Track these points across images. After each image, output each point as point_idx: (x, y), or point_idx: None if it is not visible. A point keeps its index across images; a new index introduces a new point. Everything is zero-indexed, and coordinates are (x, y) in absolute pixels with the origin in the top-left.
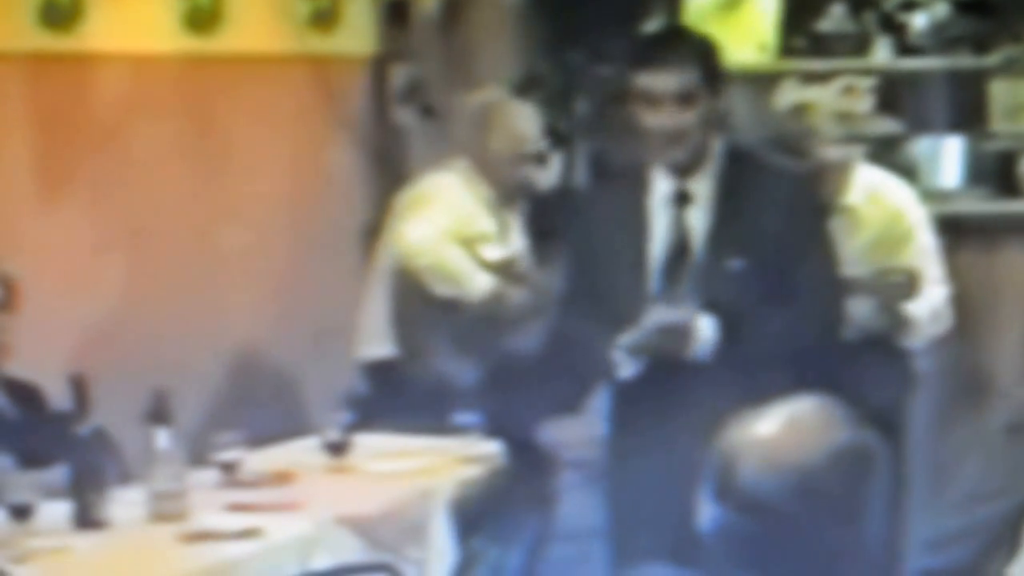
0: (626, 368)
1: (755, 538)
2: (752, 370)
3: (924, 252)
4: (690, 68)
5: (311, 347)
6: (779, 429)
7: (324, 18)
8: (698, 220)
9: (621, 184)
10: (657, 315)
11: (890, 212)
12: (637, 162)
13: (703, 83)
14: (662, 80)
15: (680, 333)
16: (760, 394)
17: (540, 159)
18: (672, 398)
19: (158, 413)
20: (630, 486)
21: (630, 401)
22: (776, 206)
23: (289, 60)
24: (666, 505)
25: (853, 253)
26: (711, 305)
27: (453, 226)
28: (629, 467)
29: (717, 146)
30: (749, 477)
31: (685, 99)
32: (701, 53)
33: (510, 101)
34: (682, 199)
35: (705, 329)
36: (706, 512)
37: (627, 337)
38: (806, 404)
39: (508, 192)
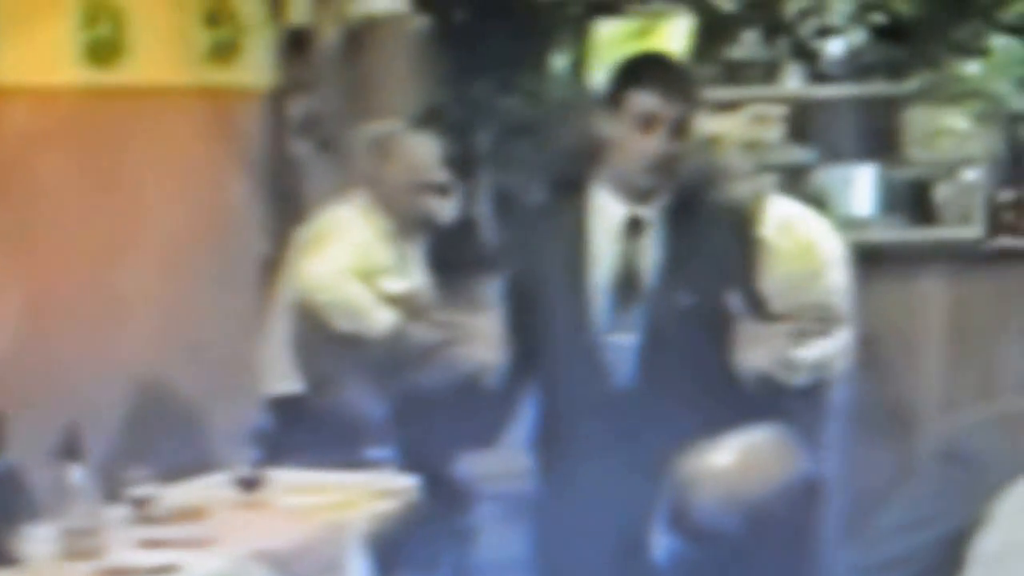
0: None
1: (709, 568)
2: (683, 402)
3: (834, 290)
4: (687, 94)
5: (213, 381)
6: (734, 461)
7: (224, 50)
8: (649, 251)
9: (560, 211)
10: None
11: (802, 245)
12: (578, 188)
13: (690, 108)
14: (663, 104)
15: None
16: (691, 426)
17: (442, 191)
18: (601, 429)
19: (70, 449)
20: (558, 518)
21: (556, 432)
22: (720, 240)
23: (189, 92)
24: (596, 536)
25: (766, 288)
26: (657, 337)
27: (353, 261)
28: (557, 499)
29: None
30: (704, 507)
31: (680, 125)
32: (691, 80)
33: (408, 131)
34: (635, 227)
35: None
36: (660, 542)
37: None
38: (761, 436)
39: (408, 223)
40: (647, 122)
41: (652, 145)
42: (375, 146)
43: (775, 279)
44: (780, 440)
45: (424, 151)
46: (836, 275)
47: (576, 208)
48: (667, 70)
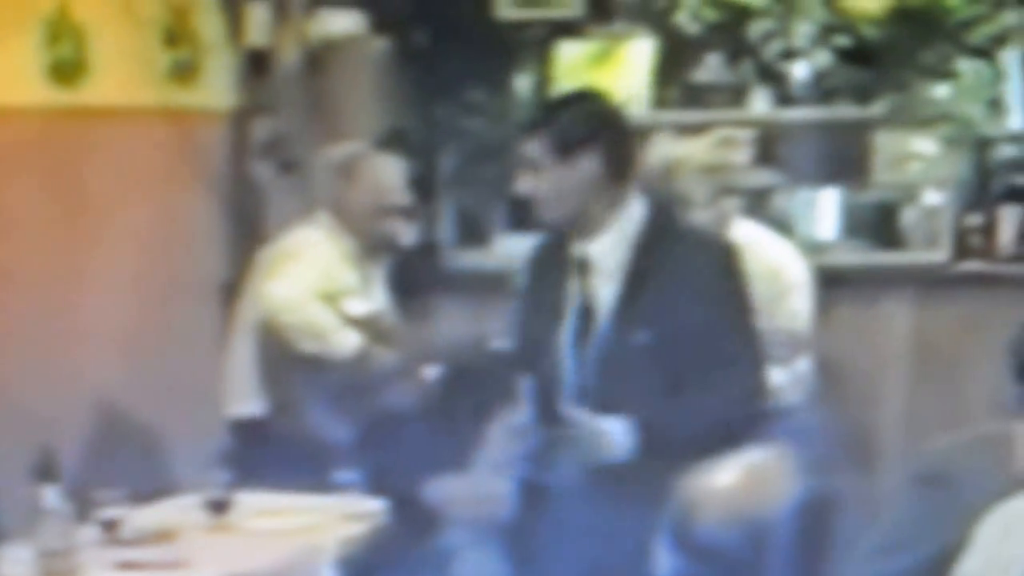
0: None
1: None
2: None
3: (798, 315)
4: (545, 135)
5: (177, 404)
6: (736, 481)
7: (184, 70)
8: (606, 289)
9: (548, 247)
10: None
11: (767, 269)
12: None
13: (551, 152)
14: (530, 145)
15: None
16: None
17: (405, 213)
18: None
19: (45, 470)
20: (533, 543)
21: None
22: (694, 276)
23: (151, 113)
24: (575, 562)
25: None
26: (610, 374)
27: (318, 282)
28: (532, 523)
29: (628, 210)
30: (708, 527)
31: (533, 166)
32: (568, 120)
33: (371, 154)
34: (581, 266)
35: (617, 434)
36: (663, 562)
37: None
38: (762, 456)
39: (371, 245)
40: (524, 163)
41: (525, 185)
42: (338, 168)
43: None
44: (781, 460)
45: (388, 173)
46: (800, 299)
47: (559, 243)
48: (541, 111)
